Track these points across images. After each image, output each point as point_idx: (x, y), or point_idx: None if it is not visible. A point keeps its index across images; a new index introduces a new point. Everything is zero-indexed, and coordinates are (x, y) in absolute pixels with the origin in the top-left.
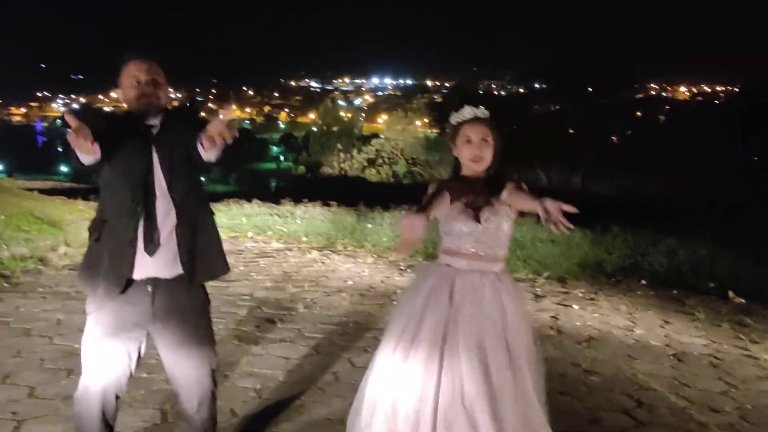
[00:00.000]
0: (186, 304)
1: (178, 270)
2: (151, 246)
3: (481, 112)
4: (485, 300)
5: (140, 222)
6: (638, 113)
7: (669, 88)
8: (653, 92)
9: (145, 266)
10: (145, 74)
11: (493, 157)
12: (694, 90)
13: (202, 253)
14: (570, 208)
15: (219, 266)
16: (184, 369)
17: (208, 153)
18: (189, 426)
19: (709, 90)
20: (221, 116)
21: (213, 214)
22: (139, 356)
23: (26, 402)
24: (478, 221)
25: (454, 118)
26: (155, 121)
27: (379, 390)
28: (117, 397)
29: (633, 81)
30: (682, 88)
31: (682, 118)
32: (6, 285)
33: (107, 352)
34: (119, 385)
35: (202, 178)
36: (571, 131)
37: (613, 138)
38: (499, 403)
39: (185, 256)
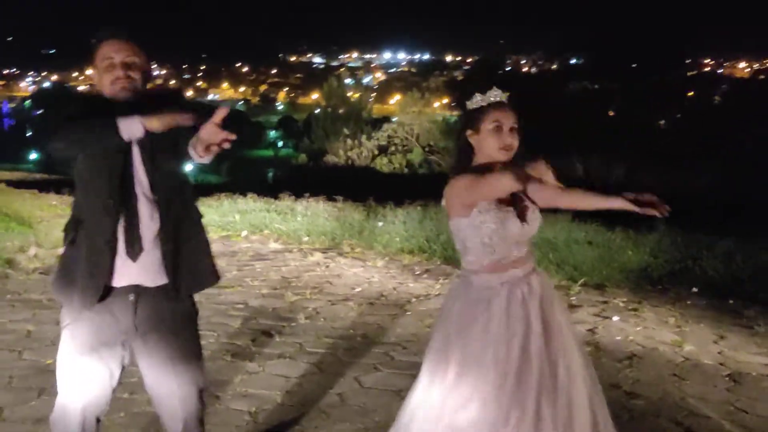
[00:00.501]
0: (171, 316)
1: (163, 278)
2: (134, 250)
3: (506, 95)
4: (554, 307)
5: (120, 222)
6: (690, 93)
7: (726, 64)
8: (707, 69)
9: (127, 272)
10: (121, 55)
11: (519, 147)
12: (756, 66)
13: (189, 260)
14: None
15: (208, 275)
16: (168, 388)
17: (202, 158)
18: None
19: None
20: (216, 118)
21: (201, 216)
22: (122, 372)
23: None
24: (525, 220)
25: (478, 101)
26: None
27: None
28: (98, 420)
29: (684, 56)
30: (742, 64)
31: (742, 98)
32: None
33: (85, 369)
34: (100, 405)
35: (189, 167)
36: (611, 113)
37: (661, 122)
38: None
39: (170, 263)
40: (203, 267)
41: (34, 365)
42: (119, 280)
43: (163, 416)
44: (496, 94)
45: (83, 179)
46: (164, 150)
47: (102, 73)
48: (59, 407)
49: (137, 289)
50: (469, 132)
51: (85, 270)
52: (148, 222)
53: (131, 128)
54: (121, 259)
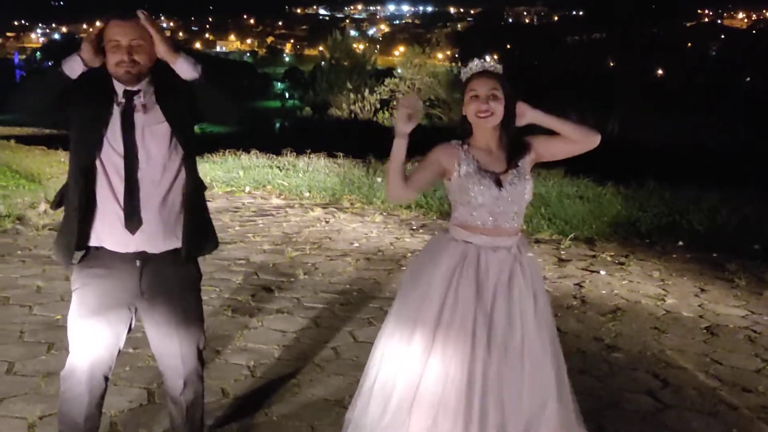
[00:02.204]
0: (175, 281)
1: (169, 245)
2: (133, 222)
3: (493, 66)
4: (516, 290)
5: (119, 193)
6: (689, 44)
7: (725, 14)
8: (706, 20)
9: (132, 241)
10: (127, 38)
11: (507, 113)
12: (754, 17)
13: (194, 226)
14: None
15: (209, 240)
16: (171, 348)
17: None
18: (174, 408)
19: None
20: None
21: (204, 186)
22: (129, 331)
23: (4, 379)
24: (500, 186)
25: (463, 75)
26: (140, 86)
27: (393, 376)
28: (106, 379)
29: (683, 6)
30: (740, 15)
31: (739, 49)
32: None
33: (93, 331)
34: (107, 364)
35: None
36: (611, 64)
37: (658, 72)
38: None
39: (184, 229)
40: (205, 232)
41: (45, 320)
42: (125, 248)
43: (165, 373)
44: (476, 65)
45: (75, 147)
46: (179, 121)
47: (108, 54)
48: (69, 365)
49: (143, 255)
50: (462, 105)
51: (65, 226)
52: (152, 189)
53: (72, 64)
54: (122, 229)
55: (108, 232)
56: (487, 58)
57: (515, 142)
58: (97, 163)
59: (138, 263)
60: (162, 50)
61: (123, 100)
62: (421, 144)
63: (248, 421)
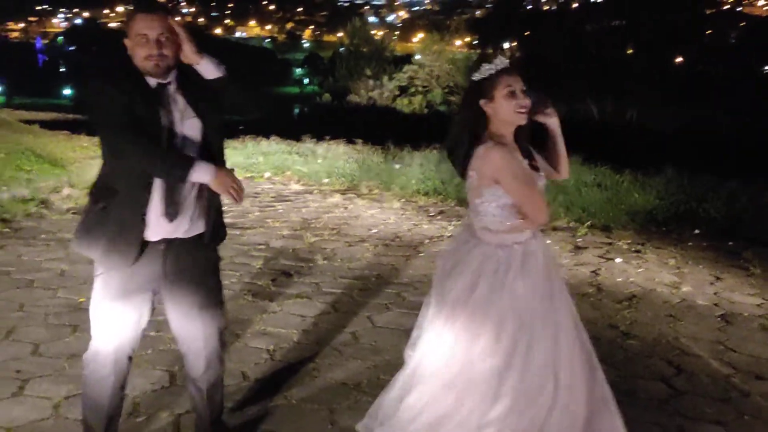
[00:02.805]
0: (198, 266)
1: (194, 230)
2: (171, 212)
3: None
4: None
5: (157, 191)
6: (708, 31)
7: (745, 1)
8: (727, 6)
9: (161, 229)
10: (155, 32)
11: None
12: None
13: (215, 215)
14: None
15: (223, 229)
16: (193, 329)
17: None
18: (195, 390)
19: None
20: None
21: None
22: (150, 314)
23: (30, 360)
24: (536, 169)
25: (488, 70)
26: (169, 78)
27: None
28: (129, 359)
29: None
30: (761, 2)
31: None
32: (7, 230)
33: (117, 315)
34: (130, 345)
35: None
36: (630, 51)
37: (678, 60)
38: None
39: (211, 218)
40: (221, 221)
41: (68, 303)
42: (153, 236)
43: (187, 355)
44: (503, 61)
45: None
46: (209, 113)
47: (135, 46)
48: (92, 348)
49: (168, 241)
50: (483, 101)
51: (117, 234)
52: (189, 185)
53: (203, 175)
54: (156, 219)
55: (153, 223)
56: (503, 58)
57: (527, 135)
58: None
59: (162, 247)
60: (188, 51)
61: (156, 86)
62: (439, 129)
63: (267, 404)
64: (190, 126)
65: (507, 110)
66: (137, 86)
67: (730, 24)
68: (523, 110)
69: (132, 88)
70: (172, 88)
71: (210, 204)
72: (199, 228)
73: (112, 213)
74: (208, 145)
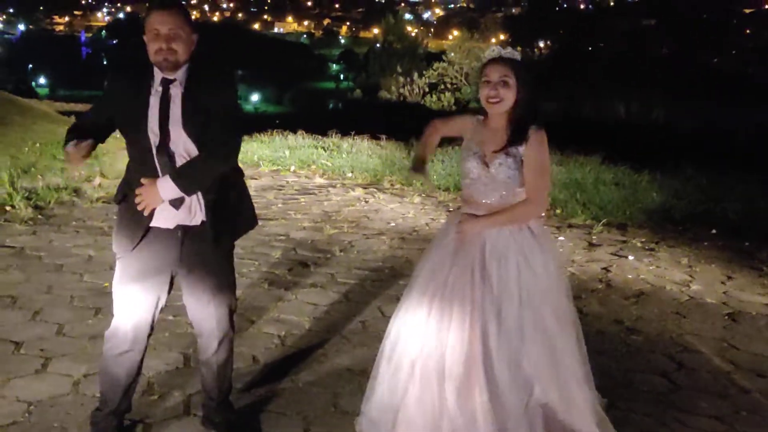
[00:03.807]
0: (213, 254)
1: (199, 215)
2: (177, 202)
3: (510, 53)
4: (510, 263)
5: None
6: (747, 31)
7: None
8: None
9: (173, 217)
10: (166, 27)
11: (517, 101)
12: None
13: (233, 207)
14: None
15: (249, 220)
16: (207, 310)
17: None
18: (205, 369)
19: None
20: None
21: (242, 172)
22: (167, 297)
23: (54, 339)
24: (487, 166)
25: (482, 60)
26: (176, 76)
27: (402, 342)
28: (147, 337)
29: None
30: None
31: None
32: (40, 217)
33: (135, 295)
34: (148, 324)
35: (253, 101)
36: (664, 50)
37: (713, 60)
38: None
39: (210, 211)
40: (245, 212)
41: (93, 287)
42: (167, 223)
43: (201, 335)
44: (492, 50)
45: (128, 143)
46: (206, 109)
47: (149, 41)
48: (113, 325)
49: (184, 228)
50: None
51: (128, 222)
52: None
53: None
54: (165, 207)
55: (157, 210)
56: (502, 48)
57: (518, 129)
58: (144, 148)
59: (179, 233)
60: None
61: (160, 88)
62: None
63: (274, 386)
64: (183, 122)
65: (482, 98)
66: (143, 81)
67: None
68: (492, 100)
69: (138, 83)
70: (176, 83)
71: (210, 197)
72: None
73: (129, 201)
74: (202, 141)
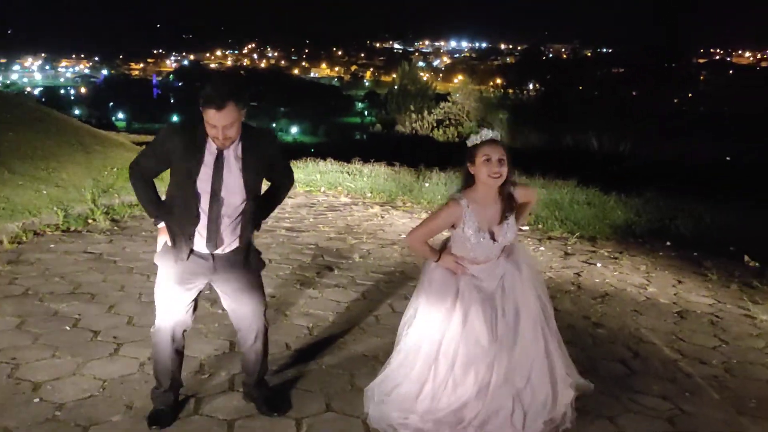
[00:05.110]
0: (239, 263)
1: (233, 246)
2: (211, 245)
3: (498, 135)
4: (515, 284)
5: (203, 223)
6: (701, 77)
7: (734, 53)
8: (717, 57)
9: (206, 248)
10: (222, 122)
11: (508, 176)
12: (759, 55)
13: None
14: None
15: (255, 257)
16: (243, 310)
17: None
18: (244, 357)
19: None
20: None
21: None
22: (200, 294)
23: (125, 329)
24: (494, 240)
25: (474, 140)
26: (228, 148)
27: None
28: (184, 331)
29: (697, 46)
30: (747, 54)
31: (743, 82)
32: (116, 228)
33: (174, 298)
34: (185, 323)
35: (293, 132)
36: (634, 93)
37: (675, 101)
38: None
39: (243, 253)
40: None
41: None
42: (200, 249)
43: (240, 331)
44: (487, 134)
45: (176, 188)
46: (255, 172)
47: (208, 129)
48: (156, 325)
49: (213, 254)
50: (468, 165)
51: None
52: (227, 221)
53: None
54: (200, 241)
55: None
56: (491, 131)
57: (509, 198)
58: (190, 195)
59: (212, 256)
60: None
61: (215, 151)
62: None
63: (302, 368)
64: (235, 180)
65: (483, 174)
66: (199, 148)
67: (720, 71)
68: (495, 176)
69: (193, 148)
70: (228, 152)
71: (243, 233)
72: (236, 243)
73: (173, 230)
74: (249, 193)
